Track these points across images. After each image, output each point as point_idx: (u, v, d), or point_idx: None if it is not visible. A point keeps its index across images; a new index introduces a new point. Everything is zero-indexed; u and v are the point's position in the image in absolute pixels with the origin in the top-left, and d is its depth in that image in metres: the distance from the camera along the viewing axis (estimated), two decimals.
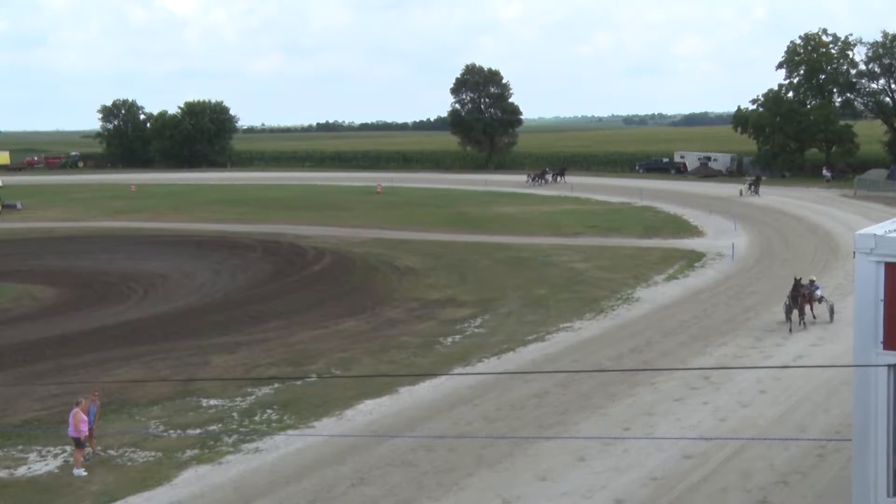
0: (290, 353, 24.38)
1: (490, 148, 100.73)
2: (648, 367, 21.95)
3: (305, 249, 42.68)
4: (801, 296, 24.96)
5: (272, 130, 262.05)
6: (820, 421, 17.87)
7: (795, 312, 25.13)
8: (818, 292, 26.03)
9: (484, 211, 59.28)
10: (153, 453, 17.17)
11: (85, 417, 16.38)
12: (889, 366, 9.75)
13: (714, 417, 18.35)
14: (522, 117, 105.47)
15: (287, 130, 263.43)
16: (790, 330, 24.67)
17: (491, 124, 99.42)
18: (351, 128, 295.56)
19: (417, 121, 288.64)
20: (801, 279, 25.47)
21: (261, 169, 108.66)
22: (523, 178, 79.83)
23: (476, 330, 26.63)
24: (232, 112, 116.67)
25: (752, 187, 63.45)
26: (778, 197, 62.31)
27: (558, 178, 77.73)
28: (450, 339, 25.53)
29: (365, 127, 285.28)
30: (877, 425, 9.88)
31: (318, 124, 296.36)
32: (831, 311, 25.74)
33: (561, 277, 34.48)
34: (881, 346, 10.01)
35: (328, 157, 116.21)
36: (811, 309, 25.43)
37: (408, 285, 33.51)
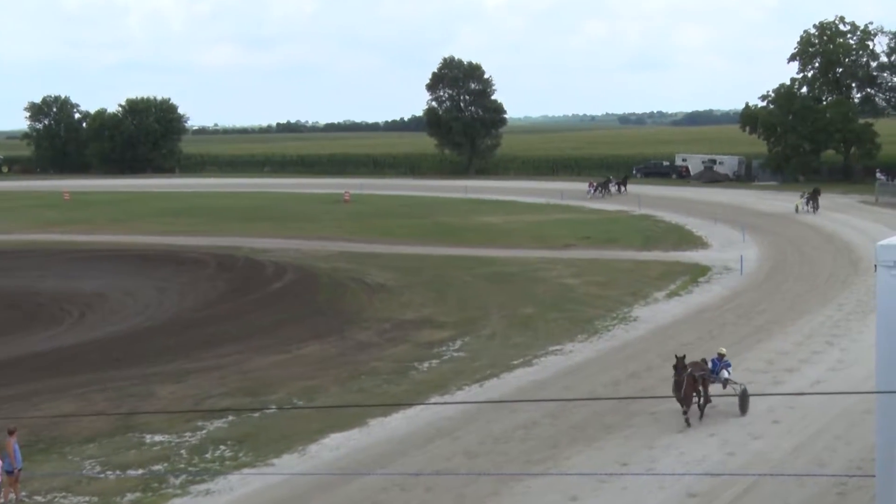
0: (247, 381, 24.22)
1: (471, 151, 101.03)
2: (648, 394, 21.98)
3: (264, 265, 42.49)
4: (687, 380, 19.61)
5: (226, 131, 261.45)
6: (840, 455, 17.96)
7: (699, 399, 20.14)
8: (725, 373, 20.93)
9: (464, 221, 59.34)
10: (88, 498, 16.95)
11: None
12: None
13: (721, 451, 18.39)
14: (507, 116, 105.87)
15: (243, 131, 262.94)
16: (686, 423, 19.49)
17: (472, 124, 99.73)
18: (315, 128, 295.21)
19: (390, 121, 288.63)
20: (683, 356, 19.93)
21: (213, 175, 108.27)
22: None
23: (456, 354, 26.59)
24: (180, 111, 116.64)
25: (811, 202, 58.01)
26: (789, 204, 62.79)
27: (621, 189, 74.09)
28: (426, 365, 25.46)
29: (331, 127, 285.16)
30: None
31: (278, 125, 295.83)
32: (743, 400, 20.30)
33: (550, 295, 34.52)
34: None
35: (290, 162, 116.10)
36: (704, 395, 20.13)
37: (379, 304, 33.44)
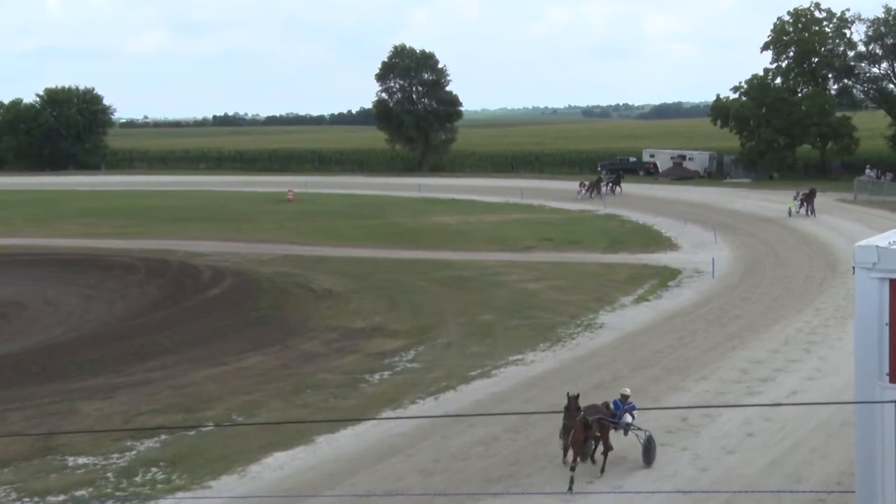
0: (181, 397, 23.98)
1: (424, 146, 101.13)
2: None
3: (200, 270, 42.12)
4: (578, 425, 17.92)
5: (157, 125, 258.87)
6: (818, 470, 18.22)
7: (590, 444, 18.51)
8: (628, 417, 19.03)
9: (417, 221, 59.39)
10: None
11: None
12: None
13: (694, 466, 18.57)
14: (462, 109, 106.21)
15: (176, 125, 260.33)
16: (571, 479, 17.24)
17: (425, 118, 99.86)
18: (255, 122, 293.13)
19: (337, 113, 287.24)
20: (577, 396, 18.46)
21: (143, 172, 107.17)
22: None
23: (409, 365, 26.59)
24: (106, 102, 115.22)
25: (805, 204, 56.13)
26: (764, 202, 63.67)
27: (615, 189, 72.09)
28: (377, 377, 25.42)
29: (273, 121, 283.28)
30: (883, 473, 9.96)
31: (214, 117, 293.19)
32: (647, 449, 18.52)
33: (510, 300, 34.68)
34: (887, 378, 10.15)
35: (228, 158, 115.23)
36: (604, 443, 18.47)
37: (326, 312, 33.33)
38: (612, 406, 19.10)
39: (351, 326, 31.06)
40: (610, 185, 72.84)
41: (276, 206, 69.30)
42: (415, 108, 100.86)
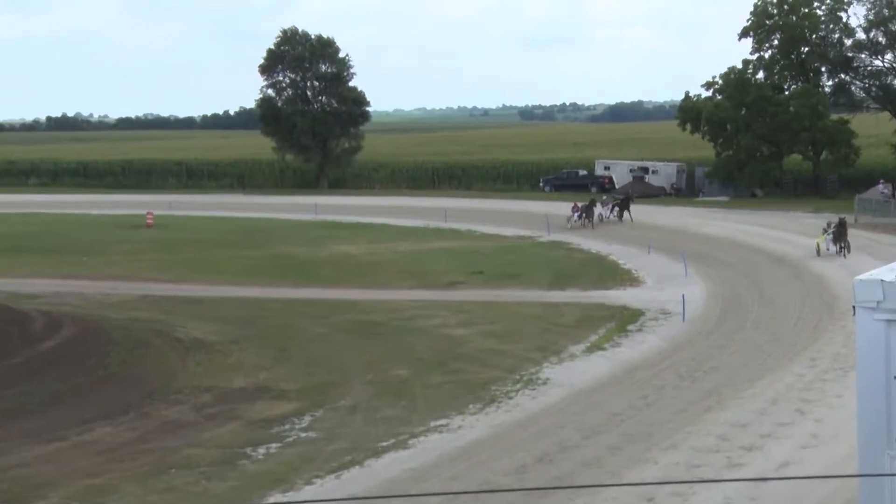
0: (6, 481, 23.42)
1: (322, 156, 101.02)
2: (564, 483, 22.17)
3: (31, 317, 41.30)
4: None
5: None
6: None
7: None
8: None
9: (314, 252, 59.20)
10: None
11: None
12: None
13: None
14: (370, 110, 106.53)
15: None
16: None
17: (323, 120, 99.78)
18: (103, 125, 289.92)
19: (210, 115, 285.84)
20: None
21: None
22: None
23: (304, 434, 26.34)
24: None
25: (838, 241, 52.21)
26: (744, 226, 64.71)
27: (622, 214, 69.69)
28: (263, 450, 25.13)
29: (126, 124, 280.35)
30: None
31: (49, 119, 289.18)
32: None
33: (431, 351, 34.63)
34: None
35: (67, 171, 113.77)
36: None
37: (197, 368, 32.90)
38: None
39: (228, 386, 30.68)
40: (614, 209, 70.22)
41: (131, 232, 68.48)
42: (310, 109, 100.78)
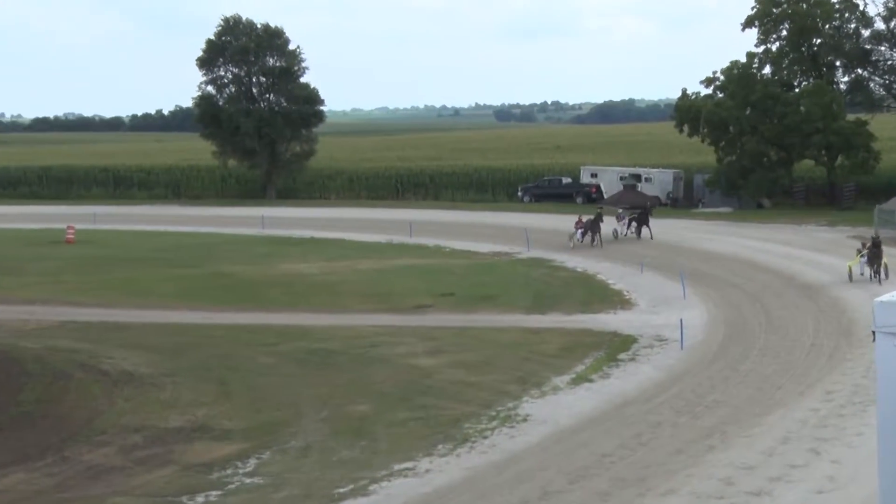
0: None
1: (270, 162, 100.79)
2: None
3: None
4: None
5: None
6: None
7: None
8: None
9: (261, 271, 59.06)
10: None
11: None
12: None
13: None
14: (325, 109, 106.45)
15: None
16: None
17: (271, 121, 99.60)
18: (17, 126, 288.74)
19: (140, 115, 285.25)
20: None
21: None
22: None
23: (248, 480, 26.21)
24: None
25: (873, 263, 50.46)
26: (750, 241, 64.88)
27: (641, 230, 68.40)
28: (201, 499, 25.00)
29: (43, 125, 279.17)
30: None
31: None
32: None
33: (395, 383, 34.54)
34: None
35: None
36: None
37: (125, 405, 32.70)
38: None
39: (162, 425, 30.49)
40: (630, 223, 69.32)
41: (49, 249, 68.07)
42: (255, 108, 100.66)
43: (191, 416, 31.46)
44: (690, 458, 26.82)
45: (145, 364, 37.60)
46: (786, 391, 32.76)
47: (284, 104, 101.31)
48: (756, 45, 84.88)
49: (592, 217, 66.81)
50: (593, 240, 65.66)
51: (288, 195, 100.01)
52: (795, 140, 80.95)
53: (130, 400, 33.28)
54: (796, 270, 54.61)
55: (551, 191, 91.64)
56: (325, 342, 41.02)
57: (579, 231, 66.07)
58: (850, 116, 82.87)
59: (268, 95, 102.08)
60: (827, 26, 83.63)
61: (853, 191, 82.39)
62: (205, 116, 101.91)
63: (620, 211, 71.05)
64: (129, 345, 40.73)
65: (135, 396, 33.64)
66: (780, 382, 33.78)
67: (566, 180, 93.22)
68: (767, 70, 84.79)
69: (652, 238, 67.38)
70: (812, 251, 60.34)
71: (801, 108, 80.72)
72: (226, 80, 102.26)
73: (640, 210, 70.35)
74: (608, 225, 67.48)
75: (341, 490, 25.33)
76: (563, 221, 73.59)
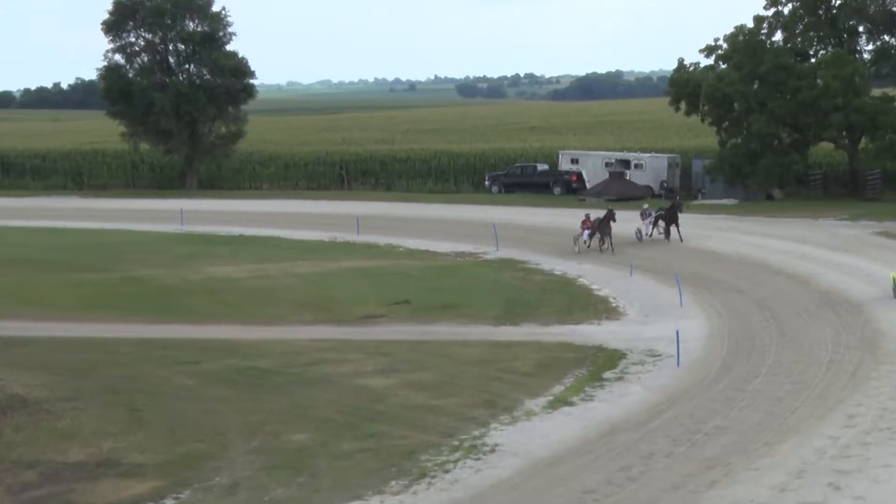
0: None
1: (191, 145, 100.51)
2: None
3: None
4: None
5: None
6: None
7: None
8: None
9: (180, 275, 58.94)
10: None
11: None
12: None
13: None
14: (256, 83, 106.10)
15: None
16: None
17: (191, 97, 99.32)
18: None
19: (33, 88, 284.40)
20: None
21: None
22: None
23: None
24: None
25: None
26: (758, 238, 65.00)
27: (668, 231, 66.04)
28: None
29: None
30: None
31: None
32: None
33: (339, 408, 34.48)
34: None
35: None
36: None
37: (16, 436, 32.51)
38: None
39: (60, 460, 30.30)
40: (656, 221, 67.20)
41: None
42: (173, 81, 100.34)
43: (95, 449, 31.26)
44: (689, 495, 26.85)
45: (41, 386, 37.41)
46: (800, 415, 32.82)
47: (207, 77, 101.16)
48: (765, 8, 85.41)
49: (602, 216, 64.20)
50: (602, 242, 63.30)
51: (212, 185, 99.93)
52: (811, 119, 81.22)
53: (22, 430, 33.08)
54: (812, 273, 54.81)
55: (524, 180, 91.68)
56: (257, 359, 40.96)
57: (586, 232, 63.90)
58: (876, 91, 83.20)
59: (187, 66, 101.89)
60: None
61: (879, 179, 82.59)
62: (112, 91, 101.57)
63: (646, 206, 69.22)
64: (21, 363, 40.61)
65: (27, 426, 33.44)
66: (794, 405, 33.87)
67: (542, 167, 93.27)
68: (778, 37, 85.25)
69: (682, 241, 65.41)
70: (831, 250, 60.58)
71: (818, 81, 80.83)
72: (137, 48, 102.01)
73: (668, 206, 68.55)
74: (624, 223, 65.47)
75: None
76: (539, 216, 73.89)
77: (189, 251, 66.76)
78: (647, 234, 66.56)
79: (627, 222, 65.42)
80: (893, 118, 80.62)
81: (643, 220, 67.11)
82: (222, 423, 33.30)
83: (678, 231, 65.65)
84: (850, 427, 31.41)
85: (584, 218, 64.40)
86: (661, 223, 66.66)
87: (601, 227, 63.41)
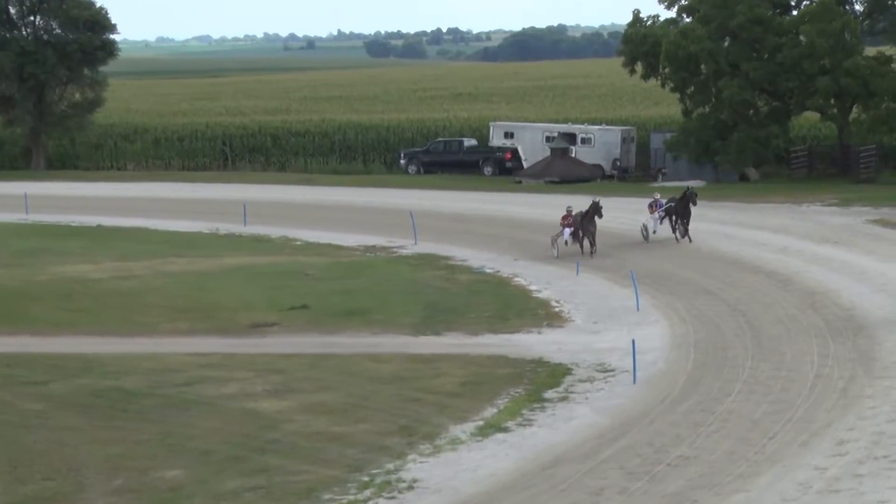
0: None
1: (37, 116, 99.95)
2: None
3: None
4: None
5: None
6: None
7: None
8: None
9: (23, 274, 58.88)
10: None
11: None
12: None
13: None
14: (118, 38, 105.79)
15: None
16: None
17: (37, 56, 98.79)
18: None
19: None
20: None
21: None
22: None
23: None
24: None
25: None
26: (730, 228, 65.44)
27: (684, 230, 64.10)
28: None
29: None
30: None
31: None
32: None
33: (222, 438, 34.56)
34: None
35: None
36: None
37: None
38: None
39: None
40: (671, 218, 64.68)
41: None
42: (14, 37, 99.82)
43: None
44: None
45: None
46: (781, 442, 33.11)
47: (57, 31, 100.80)
48: None
49: (586, 209, 62.24)
50: (584, 242, 61.71)
51: (64, 164, 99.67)
52: (793, 84, 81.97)
53: None
54: (795, 270, 55.35)
55: (448, 158, 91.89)
56: (120, 378, 40.92)
57: (567, 230, 61.99)
58: (870, 50, 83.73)
59: (32, 18, 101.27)
60: None
61: (874, 156, 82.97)
62: None
63: (658, 195, 67.04)
64: None
65: None
66: (774, 430, 34.14)
67: (469, 143, 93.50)
68: None
69: (690, 241, 64.05)
70: (817, 242, 61.17)
71: (801, 38, 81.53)
72: None
73: (682, 193, 65.37)
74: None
75: None
76: (465, 202, 73.89)
77: (34, 245, 66.47)
78: (653, 231, 64.87)
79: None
80: (890, 83, 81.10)
81: (651, 213, 65.48)
82: (77, 457, 33.26)
83: (686, 228, 64.03)
84: (839, 455, 31.65)
85: (564, 213, 62.06)
86: (676, 219, 64.13)
87: (584, 224, 61.62)
